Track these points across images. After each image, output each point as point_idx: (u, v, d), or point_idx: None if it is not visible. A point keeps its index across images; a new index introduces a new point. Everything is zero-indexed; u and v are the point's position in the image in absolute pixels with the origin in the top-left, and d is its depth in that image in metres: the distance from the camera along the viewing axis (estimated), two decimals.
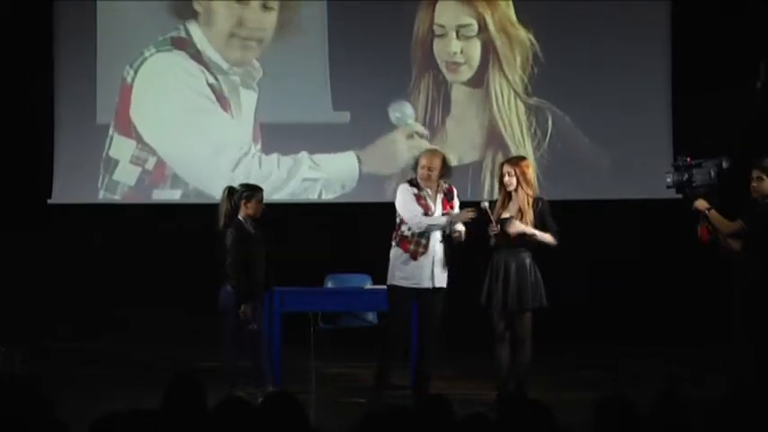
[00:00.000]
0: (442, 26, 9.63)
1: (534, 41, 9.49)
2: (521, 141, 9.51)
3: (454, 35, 9.62)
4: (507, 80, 9.55)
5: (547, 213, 6.84)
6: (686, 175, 6.56)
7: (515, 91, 9.55)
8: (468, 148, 9.58)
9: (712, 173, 6.51)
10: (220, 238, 7.04)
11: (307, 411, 3.55)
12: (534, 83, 9.48)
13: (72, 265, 9.62)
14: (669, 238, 8.79)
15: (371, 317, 7.91)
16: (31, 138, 9.73)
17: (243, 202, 7.02)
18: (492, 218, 6.75)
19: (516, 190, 6.81)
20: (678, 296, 9.08)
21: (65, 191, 9.69)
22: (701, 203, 6.51)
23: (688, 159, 6.61)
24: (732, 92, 8.99)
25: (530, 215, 6.78)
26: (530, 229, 6.74)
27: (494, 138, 9.56)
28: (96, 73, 9.69)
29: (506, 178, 6.82)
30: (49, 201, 9.66)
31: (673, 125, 9.39)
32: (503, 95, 9.56)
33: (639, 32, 9.45)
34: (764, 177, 6.39)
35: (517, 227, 6.73)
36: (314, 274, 7.88)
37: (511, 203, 6.85)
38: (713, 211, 6.48)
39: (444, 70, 9.63)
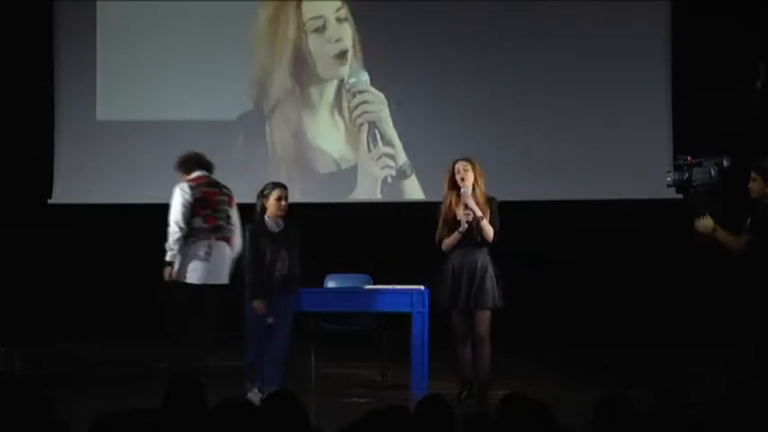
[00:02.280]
0: (320, 17, 9.60)
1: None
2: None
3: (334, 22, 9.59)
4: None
5: (496, 213, 6.95)
6: (687, 174, 6.54)
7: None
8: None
9: (713, 172, 6.48)
10: None
11: (307, 411, 3.55)
12: (495, 83, 9.47)
13: (72, 265, 9.62)
14: (669, 238, 8.78)
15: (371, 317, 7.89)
16: (31, 138, 9.73)
17: (262, 200, 6.94)
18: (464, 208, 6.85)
19: (473, 188, 6.91)
20: (678, 296, 9.07)
21: (65, 191, 9.70)
22: (705, 225, 6.40)
23: (688, 158, 6.59)
24: (732, 92, 8.98)
25: (487, 212, 6.89)
26: (479, 212, 6.84)
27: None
28: (96, 73, 9.70)
29: (463, 174, 6.89)
30: (49, 201, 9.67)
31: (673, 125, 9.38)
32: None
33: (639, 32, 9.45)
34: (758, 178, 6.37)
35: (472, 204, 6.83)
36: (314, 275, 7.86)
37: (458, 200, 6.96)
38: (720, 231, 6.40)
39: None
